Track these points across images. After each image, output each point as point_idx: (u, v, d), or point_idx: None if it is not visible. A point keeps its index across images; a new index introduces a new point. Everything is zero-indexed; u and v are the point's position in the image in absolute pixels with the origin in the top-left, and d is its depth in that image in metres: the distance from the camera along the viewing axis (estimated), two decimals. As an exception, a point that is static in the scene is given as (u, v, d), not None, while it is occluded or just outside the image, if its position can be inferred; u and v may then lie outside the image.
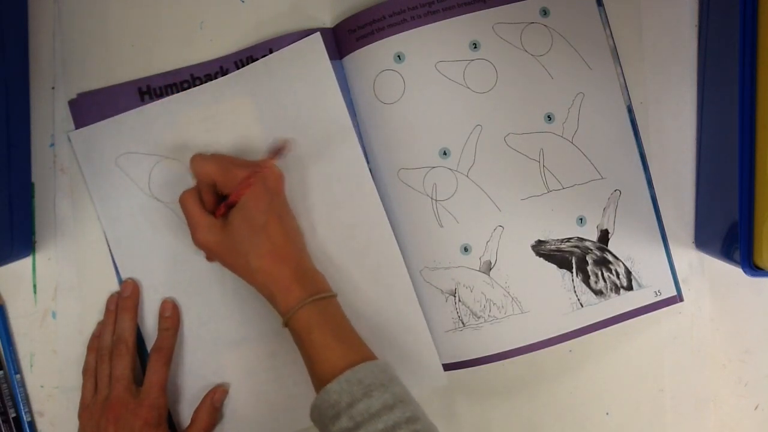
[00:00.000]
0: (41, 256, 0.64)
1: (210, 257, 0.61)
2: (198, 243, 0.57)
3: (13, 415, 0.63)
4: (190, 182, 0.63)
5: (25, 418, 0.63)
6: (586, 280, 0.63)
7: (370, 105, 0.62)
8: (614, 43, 0.63)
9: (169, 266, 0.63)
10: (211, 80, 0.63)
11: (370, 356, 0.54)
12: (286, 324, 0.55)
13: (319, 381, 0.52)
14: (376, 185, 0.62)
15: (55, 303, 0.64)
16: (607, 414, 0.65)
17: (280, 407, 0.63)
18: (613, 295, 0.63)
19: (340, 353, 0.53)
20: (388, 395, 0.50)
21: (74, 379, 0.63)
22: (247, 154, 0.62)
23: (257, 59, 0.62)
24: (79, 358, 0.63)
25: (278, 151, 0.56)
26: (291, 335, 0.56)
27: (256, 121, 0.62)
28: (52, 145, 0.64)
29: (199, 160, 0.57)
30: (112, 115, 0.63)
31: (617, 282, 0.63)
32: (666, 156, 0.64)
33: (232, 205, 0.57)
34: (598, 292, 0.63)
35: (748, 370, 0.66)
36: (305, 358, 0.55)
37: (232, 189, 0.57)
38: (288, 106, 0.62)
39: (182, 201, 0.58)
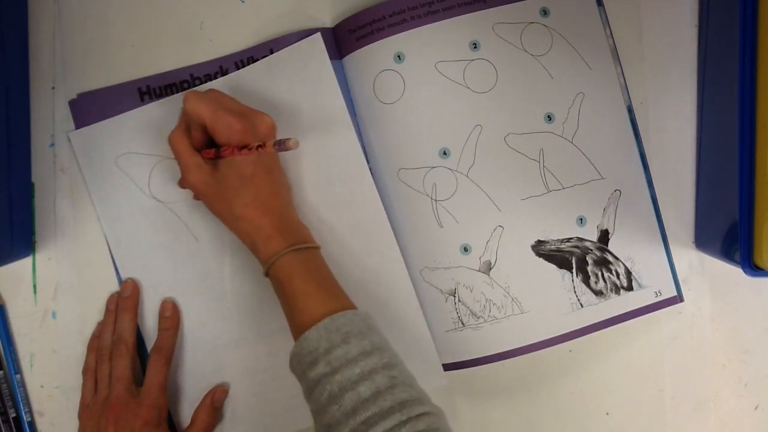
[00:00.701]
0: (41, 256, 0.64)
1: (196, 197, 0.60)
2: (188, 183, 0.57)
3: (13, 415, 0.63)
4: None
5: (25, 418, 0.63)
6: (586, 280, 0.63)
7: (370, 105, 0.62)
8: (614, 43, 0.63)
9: (169, 266, 0.63)
10: (211, 80, 0.63)
11: (350, 306, 0.54)
12: (266, 273, 0.55)
13: (299, 329, 0.52)
14: (375, 185, 0.62)
15: (55, 303, 0.64)
16: (607, 414, 0.65)
17: (280, 407, 0.63)
18: (613, 295, 0.63)
19: (321, 301, 0.53)
20: (366, 342, 0.50)
21: (74, 379, 0.63)
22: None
23: (257, 59, 0.62)
24: (79, 358, 0.63)
25: (283, 144, 0.54)
26: (273, 286, 0.56)
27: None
28: (52, 145, 0.64)
29: (193, 99, 0.56)
30: (112, 115, 0.63)
31: (617, 282, 0.63)
32: (666, 156, 0.64)
33: (222, 154, 0.56)
34: (598, 293, 0.63)
35: (748, 370, 0.66)
36: (285, 307, 0.55)
37: (221, 135, 0.55)
38: (288, 106, 0.62)
39: (172, 141, 0.57)
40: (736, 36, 0.53)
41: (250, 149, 0.54)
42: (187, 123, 0.57)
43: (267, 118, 0.57)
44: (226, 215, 0.57)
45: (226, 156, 0.55)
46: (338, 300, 0.54)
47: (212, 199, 0.57)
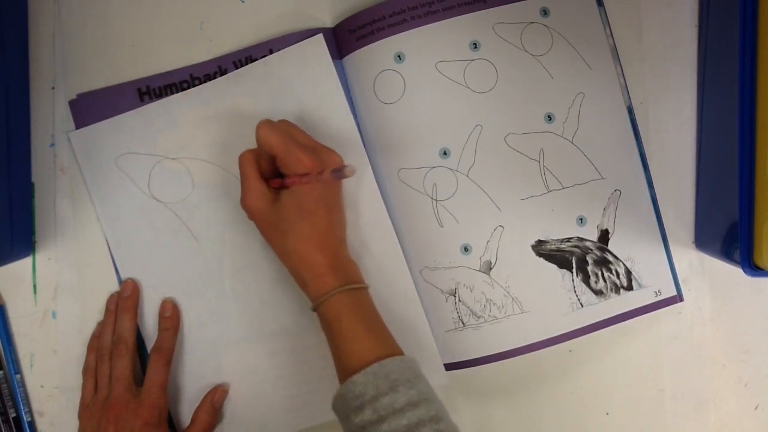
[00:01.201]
0: (41, 256, 0.64)
1: (251, 219, 0.59)
2: (246, 206, 0.57)
3: (13, 415, 0.63)
4: (189, 183, 0.63)
5: (25, 418, 0.63)
6: (586, 280, 0.63)
7: (370, 105, 0.62)
8: (614, 43, 0.63)
9: (169, 266, 0.63)
10: (211, 80, 0.63)
11: (398, 351, 0.54)
12: (315, 309, 0.55)
13: (345, 371, 0.52)
14: (376, 185, 0.62)
15: (55, 303, 0.64)
16: (607, 414, 0.65)
17: (280, 407, 0.63)
18: (613, 295, 0.63)
19: (369, 345, 0.53)
20: (413, 392, 0.50)
21: (74, 379, 0.63)
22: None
23: (257, 59, 0.62)
24: (79, 358, 0.63)
25: (340, 172, 0.54)
26: (320, 323, 0.56)
27: (256, 121, 0.62)
28: (52, 145, 0.64)
29: (265, 129, 0.55)
30: (112, 116, 0.63)
31: (617, 282, 0.63)
32: (666, 156, 0.64)
33: (287, 183, 0.56)
34: (598, 292, 0.63)
35: (748, 370, 0.66)
36: (333, 346, 0.55)
37: (289, 169, 0.55)
38: (289, 106, 0.62)
39: (242, 160, 0.57)
40: (736, 36, 0.53)
41: (312, 178, 0.54)
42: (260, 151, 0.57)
43: (335, 155, 0.57)
44: (279, 247, 0.57)
45: (289, 186, 0.55)
46: (387, 345, 0.54)
47: (267, 228, 0.57)
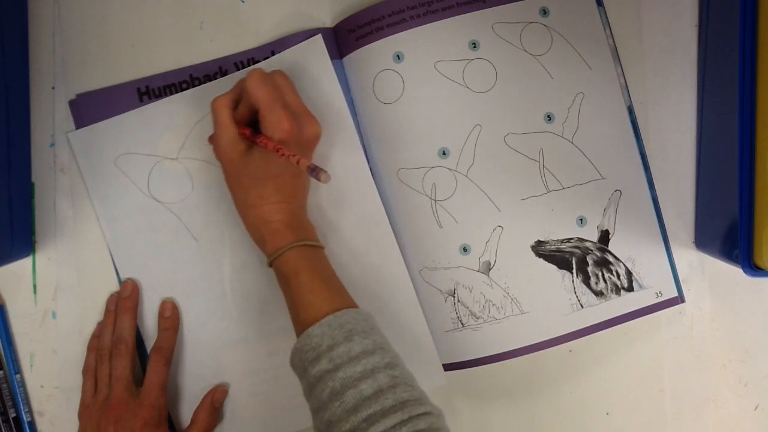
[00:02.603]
0: (41, 256, 0.64)
1: (218, 160, 0.59)
2: (218, 148, 0.57)
3: (13, 415, 0.63)
4: (189, 183, 0.63)
5: (25, 418, 0.63)
6: (586, 280, 0.63)
7: (370, 105, 0.62)
8: (614, 43, 0.63)
9: (169, 266, 0.63)
10: (211, 80, 0.63)
11: (353, 305, 0.55)
12: (271, 264, 0.56)
13: (302, 324, 0.53)
14: (375, 185, 0.62)
15: (55, 303, 0.64)
16: (607, 414, 0.65)
17: (280, 407, 0.63)
18: (613, 296, 0.63)
19: (326, 297, 0.53)
20: (368, 341, 0.50)
21: (74, 379, 0.63)
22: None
23: (258, 61, 0.62)
24: (79, 358, 0.63)
25: (315, 172, 0.54)
26: (276, 277, 0.56)
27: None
28: (52, 145, 0.64)
29: (256, 80, 0.55)
30: (112, 116, 0.63)
31: (618, 283, 0.63)
32: (666, 156, 0.64)
33: (260, 143, 0.56)
34: (599, 293, 0.63)
35: (748, 370, 0.66)
36: (289, 301, 0.55)
37: (267, 127, 0.55)
38: (288, 107, 0.62)
39: (216, 105, 0.57)
40: (736, 36, 0.53)
41: (284, 155, 0.54)
42: (238, 95, 0.57)
43: (316, 126, 0.57)
44: (239, 200, 0.57)
45: (260, 145, 0.56)
46: (342, 298, 0.55)
47: (231, 176, 0.57)
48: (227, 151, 0.56)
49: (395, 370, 0.50)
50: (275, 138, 0.55)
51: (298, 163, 0.54)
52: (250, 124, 0.58)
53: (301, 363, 0.52)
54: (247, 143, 0.57)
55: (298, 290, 0.54)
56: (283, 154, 0.54)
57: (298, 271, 0.54)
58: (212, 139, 0.58)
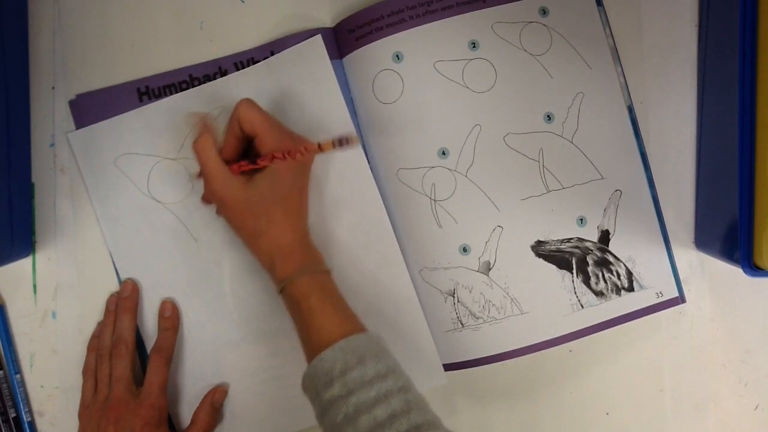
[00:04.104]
0: (41, 256, 0.64)
1: (219, 210, 0.60)
2: (215, 194, 0.56)
3: (13, 415, 0.63)
4: (189, 184, 0.63)
5: (25, 418, 0.63)
6: (586, 281, 0.63)
7: (369, 105, 0.62)
8: (614, 42, 0.63)
9: (169, 266, 0.63)
10: (210, 81, 0.63)
11: (363, 328, 0.55)
12: (281, 290, 0.56)
13: (314, 349, 0.52)
14: (375, 185, 0.62)
15: (55, 303, 0.64)
16: (607, 414, 0.65)
17: (280, 407, 0.63)
18: (613, 296, 0.63)
19: (337, 322, 0.53)
20: (381, 365, 0.50)
21: (74, 379, 0.63)
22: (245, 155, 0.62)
23: (258, 61, 0.62)
24: (79, 358, 0.63)
25: (344, 142, 0.54)
26: (285, 303, 0.56)
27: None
28: (52, 145, 0.64)
29: (248, 105, 0.55)
30: (112, 116, 0.63)
31: (618, 283, 0.63)
32: (666, 156, 0.64)
33: (261, 164, 0.56)
34: (599, 293, 0.63)
35: (748, 370, 0.65)
36: (300, 325, 0.55)
37: (268, 148, 0.56)
38: (288, 108, 0.62)
39: (200, 147, 0.56)
40: (736, 36, 0.53)
41: (300, 154, 0.54)
42: (214, 133, 0.57)
43: (312, 144, 0.57)
44: (249, 230, 0.57)
45: (268, 164, 0.55)
46: (353, 322, 0.55)
47: (238, 213, 0.57)
48: (227, 188, 0.56)
49: (408, 393, 0.50)
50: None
51: (319, 147, 0.54)
52: (241, 157, 0.58)
53: (313, 387, 0.51)
54: (241, 177, 0.56)
55: (309, 314, 0.54)
56: (298, 153, 0.54)
57: (309, 295, 0.54)
58: (207, 191, 0.57)
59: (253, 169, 0.56)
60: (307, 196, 0.60)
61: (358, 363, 0.50)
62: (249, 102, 0.56)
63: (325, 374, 0.50)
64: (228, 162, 0.57)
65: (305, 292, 0.54)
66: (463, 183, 0.62)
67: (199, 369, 0.63)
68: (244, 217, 0.56)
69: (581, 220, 0.63)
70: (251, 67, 0.63)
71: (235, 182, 0.56)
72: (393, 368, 0.51)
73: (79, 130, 0.63)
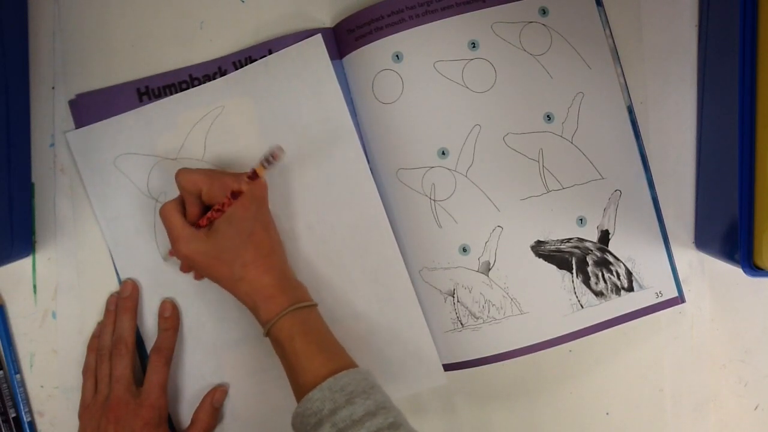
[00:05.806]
0: (41, 256, 0.64)
1: (195, 272, 0.61)
2: (181, 254, 0.57)
3: (13, 415, 0.63)
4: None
5: (25, 418, 0.63)
6: (586, 281, 0.63)
7: (369, 105, 0.62)
8: (614, 42, 0.63)
9: (168, 267, 0.63)
10: (210, 80, 0.63)
11: (351, 364, 0.54)
12: (267, 333, 0.55)
13: (301, 389, 0.52)
14: (375, 185, 0.62)
15: (55, 303, 0.64)
16: (607, 414, 0.65)
17: (280, 407, 0.63)
18: (613, 296, 0.63)
19: (322, 361, 0.53)
20: (370, 402, 0.50)
21: (74, 379, 0.63)
22: (245, 155, 0.62)
23: (256, 60, 0.62)
24: (79, 358, 0.63)
25: (270, 160, 0.55)
26: (272, 344, 0.56)
27: (255, 121, 0.62)
28: (52, 145, 0.64)
29: (184, 171, 0.57)
30: (111, 116, 0.63)
31: (618, 283, 0.63)
32: (666, 156, 0.64)
33: (217, 214, 0.56)
34: (599, 293, 0.63)
35: (748, 370, 0.65)
36: (287, 367, 0.55)
37: (218, 198, 0.56)
38: (288, 107, 0.62)
39: (163, 213, 0.57)
40: (736, 36, 0.53)
41: (241, 191, 0.55)
42: (181, 199, 0.58)
43: (261, 180, 0.57)
44: (227, 278, 0.57)
45: (220, 213, 0.56)
46: (340, 359, 0.54)
47: (210, 265, 0.57)
48: (191, 243, 0.56)
49: (399, 430, 0.49)
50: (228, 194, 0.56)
51: (255, 173, 0.55)
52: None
53: (303, 427, 0.51)
54: (205, 230, 0.57)
55: (294, 356, 0.54)
56: (241, 188, 0.55)
57: (293, 336, 0.54)
58: (174, 252, 0.58)
59: (215, 218, 0.57)
60: (275, 228, 0.59)
61: (347, 402, 0.50)
62: (184, 170, 0.57)
63: (313, 414, 0.50)
64: (194, 223, 0.58)
65: (288, 334, 0.54)
66: (463, 183, 0.62)
67: (199, 369, 0.63)
68: (217, 267, 0.56)
69: (581, 220, 0.63)
70: (250, 65, 0.62)
71: (198, 236, 0.56)
72: (383, 404, 0.51)
73: (78, 130, 0.63)
